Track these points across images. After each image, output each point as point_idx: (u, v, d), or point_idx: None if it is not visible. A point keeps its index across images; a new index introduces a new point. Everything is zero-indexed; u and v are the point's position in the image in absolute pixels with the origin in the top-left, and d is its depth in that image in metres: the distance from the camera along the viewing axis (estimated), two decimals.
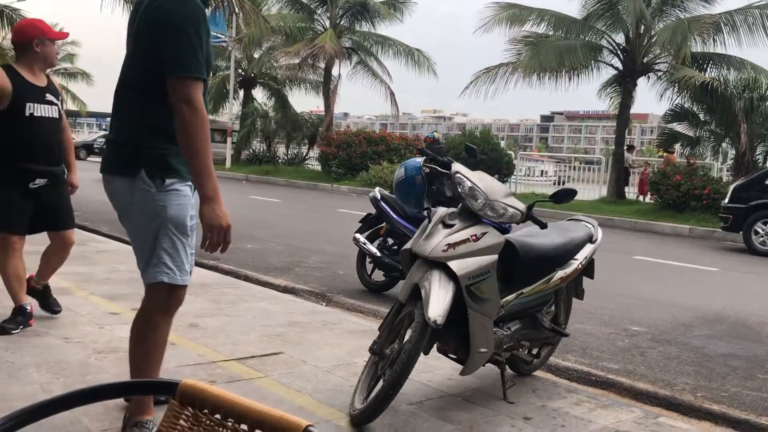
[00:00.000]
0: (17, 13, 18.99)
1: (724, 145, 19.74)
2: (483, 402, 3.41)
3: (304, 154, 28.07)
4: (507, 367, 3.55)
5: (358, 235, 6.16)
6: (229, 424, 0.89)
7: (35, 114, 3.91)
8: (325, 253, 8.33)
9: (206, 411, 0.91)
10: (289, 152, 28.13)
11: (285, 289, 5.92)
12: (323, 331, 4.54)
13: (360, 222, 6.38)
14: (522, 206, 3.32)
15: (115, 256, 6.91)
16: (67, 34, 4.15)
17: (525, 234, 3.64)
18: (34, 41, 3.93)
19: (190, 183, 2.51)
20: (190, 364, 3.62)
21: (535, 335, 3.71)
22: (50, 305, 4.34)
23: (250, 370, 3.62)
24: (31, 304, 4.11)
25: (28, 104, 3.87)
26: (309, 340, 4.29)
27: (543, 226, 3.38)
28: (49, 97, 4.00)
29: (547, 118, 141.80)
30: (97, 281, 5.53)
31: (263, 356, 3.87)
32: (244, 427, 0.88)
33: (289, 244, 8.94)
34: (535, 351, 3.88)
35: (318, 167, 24.86)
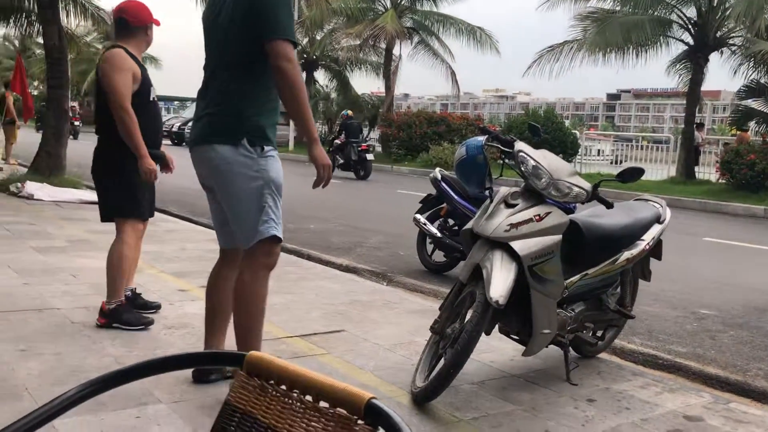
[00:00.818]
0: (90, 3, 19.56)
1: None
2: (546, 383, 3.38)
3: (366, 136, 28.15)
4: (570, 348, 3.50)
5: (418, 216, 6.16)
6: (294, 395, 0.91)
7: (154, 98, 3.92)
8: (385, 233, 8.37)
9: (272, 382, 0.94)
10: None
11: (346, 269, 5.98)
12: (384, 310, 4.58)
13: (420, 203, 6.37)
14: (587, 185, 3.25)
15: (183, 235, 7.12)
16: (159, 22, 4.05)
17: (590, 214, 3.57)
18: (148, 25, 3.89)
19: (277, 151, 2.88)
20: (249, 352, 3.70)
21: (599, 317, 3.64)
22: (148, 305, 4.15)
23: (313, 347, 3.68)
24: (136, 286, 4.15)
25: (151, 88, 3.87)
26: (370, 319, 4.33)
27: (609, 205, 3.30)
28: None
29: (613, 97, 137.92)
30: (166, 259, 5.72)
31: (326, 333, 3.94)
32: (308, 398, 0.90)
33: (349, 224, 9.02)
34: (599, 333, 3.81)
35: (378, 148, 24.91)
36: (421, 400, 2.96)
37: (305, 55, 30.18)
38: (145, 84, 3.80)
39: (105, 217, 3.93)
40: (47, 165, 10.51)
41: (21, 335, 3.53)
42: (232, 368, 3.08)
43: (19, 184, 9.52)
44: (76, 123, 25.99)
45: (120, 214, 3.85)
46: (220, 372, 3.06)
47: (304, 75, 30.48)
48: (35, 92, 37.41)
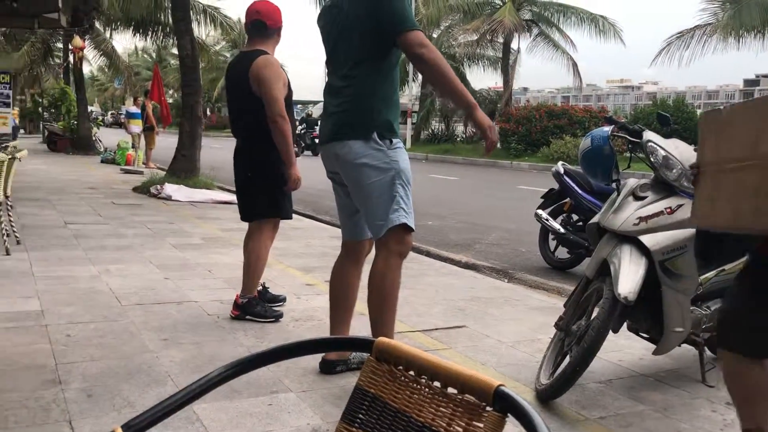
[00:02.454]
0: (219, 13, 20.65)
1: None
2: (678, 384, 3.22)
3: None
4: (706, 348, 3.31)
5: (540, 211, 6.04)
6: (423, 380, 0.93)
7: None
8: (505, 230, 8.26)
9: (401, 368, 0.96)
10: (467, 130, 28.11)
11: (466, 265, 5.96)
12: (506, 307, 4.53)
13: (542, 198, 6.24)
14: None
15: (308, 232, 7.38)
16: None
17: None
18: (281, 27, 3.97)
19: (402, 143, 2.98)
20: (378, 338, 3.78)
21: None
22: (276, 298, 4.28)
23: (435, 342, 3.70)
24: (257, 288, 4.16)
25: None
26: (491, 315, 4.30)
27: None
28: None
29: (751, 83, 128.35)
30: (293, 255, 5.95)
31: (447, 329, 3.95)
32: (436, 384, 0.91)
33: (468, 221, 8.98)
34: None
35: (497, 144, 24.61)
36: (546, 397, 2.91)
37: None
38: (290, 90, 3.90)
39: (248, 217, 4.04)
40: (183, 168, 11.21)
41: (163, 326, 3.80)
42: (356, 359, 3.18)
43: (158, 186, 10.22)
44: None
45: (268, 215, 4.00)
46: (346, 364, 3.15)
47: (420, 75, 30.84)
48: (170, 100, 39.94)
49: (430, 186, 13.73)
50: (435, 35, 29.24)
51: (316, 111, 27.22)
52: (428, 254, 6.41)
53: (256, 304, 3.96)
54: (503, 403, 0.83)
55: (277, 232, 4.17)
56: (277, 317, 3.98)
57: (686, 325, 3.04)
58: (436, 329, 3.94)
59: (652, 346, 3.16)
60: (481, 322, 4.12)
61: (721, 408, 2.96)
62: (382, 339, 0.98)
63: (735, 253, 3.20)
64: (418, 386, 0.93)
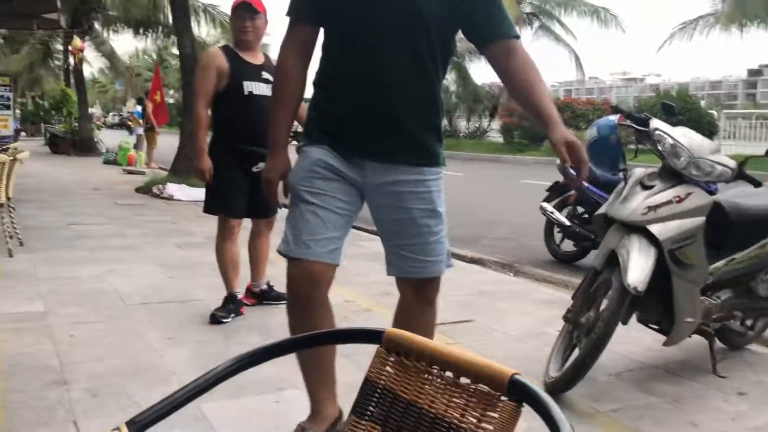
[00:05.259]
0: (218, 11, 20.62)
1: None
2: (689, 375, 3.18)
3: (485, 127, 27.84)
4: (716, 338, 3.28)
5: (545, 204, 6.00)
6: (434, 370, 0.90)
7: (254, 93, 3.80)
8: (510, 224, 8.22)
9: (411, 358, 0.93)
10: (470, 125, 28.05)
11: (472, 260, 5.93)
12: (513, 301, 4.49)
13: (547, 191, 6.20)
14: (732, 163, 3.02)
15: None
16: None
17: (736, 194, 3.32)
18: (263, 14, 3.86)
19: (324, 147, 2.16)
20: (385, 327, 3.75)
21: (749, 305, 3.38)
22: (281, 296, 4.05)
23: (443, 336, 3.67)
24: (241, 292, 4.06)
25: (247, 83, 3.79)
26: (499, 309, 4.27)
27: (757, 184, 3.06)
28: (266, 75, 3.83)
29: (754, 72, 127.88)
30: None
31: (455, 323, 3.92)
32: (449, 374, 0.88)
33: (473, 216, 8.94)
34: (749, 322, 3.54)
35: (500, 139, 24.54)
36: (556, 390, 2.87)
37: None
38: (235, 79, 3.78)
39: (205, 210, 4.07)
40: (185, 167, 11.18)
41: (168, 324, 3.77)
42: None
43: (160, 186, 10.20)
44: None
45: (207, 210, 4.02)
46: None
47: None
48: (171, 100, 39.96)
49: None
50: None
51: None
52: None
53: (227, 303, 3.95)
54: (518, 393, 0.80)
55: (239, 229, 4.00)
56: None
57: (696, 316, 3.00)
58: (444, 324, 3.90)
59: (662, 338, 3.12)
60: (488, 316, 4.09)
61: (733, 398, 2.92)
62: (392, 330, 0.95)
63: (745, 242, 3.17)
64: (430, 377, 0.90)
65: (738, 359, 3.41)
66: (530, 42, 26.77)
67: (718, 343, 3.32)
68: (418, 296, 2.27)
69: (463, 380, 0.86)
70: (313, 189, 2.13)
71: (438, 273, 2.24)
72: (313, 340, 1.03)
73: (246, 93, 3.80)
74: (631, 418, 2.70)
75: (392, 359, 0.94)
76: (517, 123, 22.12)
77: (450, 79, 29.90)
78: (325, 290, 2.19)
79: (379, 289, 4.50)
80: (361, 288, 4.56)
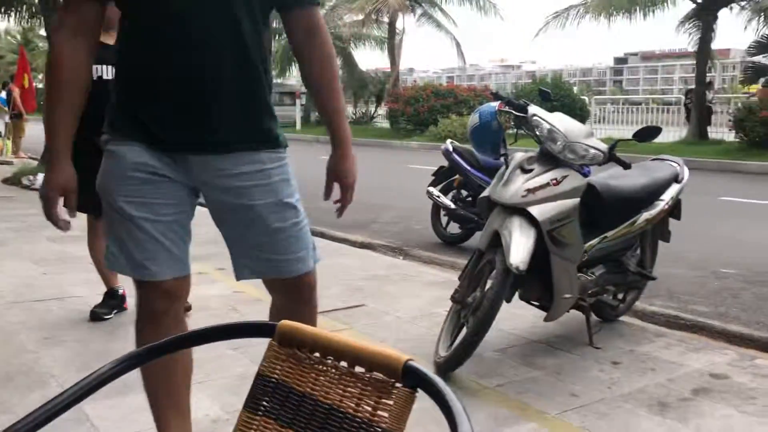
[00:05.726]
0: None
1: None
2: (569, 348, 3.37)
3: (372, 113, 28.04)
4: (592, 312, 3.48)
5: (431, 189, 6.13)
6: (329, 361, 0.90)
7: (104, 77, 3.41)
8: (399, 208, 8.34)
9: (305, 350, 0.92)
10: (357, 111, 28.15)
11: (362, 245, 5.97)
12: (402, 284, 4.57)
13: (433, 175, 6.33)
14: (604, 147, 3.21)
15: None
16: None
17: (608, 176, 3.53)
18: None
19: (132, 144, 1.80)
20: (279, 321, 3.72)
21: (620, 279, 3.61)
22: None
23: (335, 322, 3.68)
24: (123, 287, 3.83)
25: (95, 66, 3.31)
26: (389, 293, 4.33)
27: (626, 166, 3.26)
28: None
29: (620, 60, 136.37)
30: None
31: (346, 309, 3.94)
32: (343, 363, 0.88)
33: (362, 201, 8.95)
34: (620, 296, 3.79)
35: (386, 125, 24.79)
36: (445, 369, 2.96)
37: None
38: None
39: None
40: None
41: (44, 324, 3.56)
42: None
43: (31, 177, 9.56)
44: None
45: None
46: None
47: None
48: (40, 85, 37.42)
49: (322, 168, 13.56)
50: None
51: None
52: (323, 236, 6.36)
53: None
54: (412, 379, 0.82)
55: (94, 226, 3.75)
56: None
57: (574, 291, 3.18)
58: (336, 310, 3.92)
59: (543, 314, 3.29)
60: (379, 300, 4.14)
61: (608, 367, 3.12)
62: (285, 322, 0.94)
63: (616, 220, 3.37)
64: (324, 368, 0.90)
65: (611, 331, 3.64)
66: (414, 29, 27.17)
67: (593, 317, 3.53)
68: (290, 297, 1.94)
69: (358, 369, 0.86)
70: (136, 199, 1.79)
71: (299, 271, 1.88)
72: (200, 337, 1.00)
73: (95, 77, 3.36)
74: (516, 392, 2.83)
75: (285, 352, 0.93)
76: (402, 109, 22.40)
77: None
78: (181, 304, 1.97)
79: None
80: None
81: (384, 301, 4.14)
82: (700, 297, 4.54)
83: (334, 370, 0.89)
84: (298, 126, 26.95)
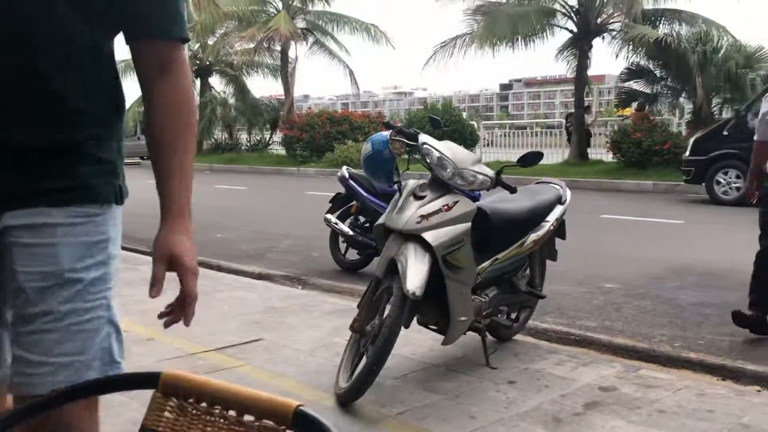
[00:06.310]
0: None
1: (681, 99, 19.96)
2: (467, 370, 3.43)
3: (267, 140, 27.80)
4: (487, 333, 3.57)
5: (329, 216, 6.12)
6: (217, 411, 0.86)
7: None
8: (296, 236, 8.27)
9: (191, 400, 0.89)
10: (252, 138, 27.83)
11: (259, 276, 5.87)
12: (301, 314, 4.52)
13: (330, 202, 6.33)
14: (491, 172, 3.32)
15: None
16: None
17: (496, 200, 3.65)
18: None
19: None
20: (169, 358, 3.57)
21: (512, 299, 3.73)
22: None
23: (230, 359, 3.58)
24: None
25: None
26: (288, 324, 4.26)
27: (512, 190, 3.38)
28: None
29: (506, 87, 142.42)
30: None
31: (243, 344, 3.84)
32: (232, 413, 0.85)
33: (259, 230, 8.86)
34: (513, 315, 3.91)
35: (282, 152, 24.62)
36: (347, 400, 2.94)
37: (198, 61, 29.42)
38: None
39: None
40: None
41: None
42: None
43: None
44: None
45: None
46: None
47: (198, 82, 29.90)
48: None
49: (217, 197, 13.34)
50: (211, 42, 28.53)
51: None
52: (219, 268, 6.20)
53: None
54: (304, 424, 0.80)
55: None
56: None
57: (469, 314, 3.25)
58: (232, 346, 3.81)
59: (441, 337, 3.34)
60: (277, 333, 4.07)
61: (504, 387, 3.20)
62: (168, 372, 0.90)
63: (506, 242, 3.49)
64: (212, 418, 0.86)
65: (507, 350, 3.75)
66: (306, 58, 27.25)
67: (489, 337, 3.62)
68: None
69: (247, 418, 0.84)
70: None
71: (43, 387, 1.27)
72: (79, 392, 0.94)
73: None
74: (417, 419, 2.84)
75: (170, 404, 0.89)
76: (298, 135, 22.36)
77: (228, 92, 29.45)
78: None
79: None
80: (140, 315, 4.29)
81: (282, 333, 4.07)
82: (587, 312, 4.77)
83: (222, 420, 0.86)
84: None
